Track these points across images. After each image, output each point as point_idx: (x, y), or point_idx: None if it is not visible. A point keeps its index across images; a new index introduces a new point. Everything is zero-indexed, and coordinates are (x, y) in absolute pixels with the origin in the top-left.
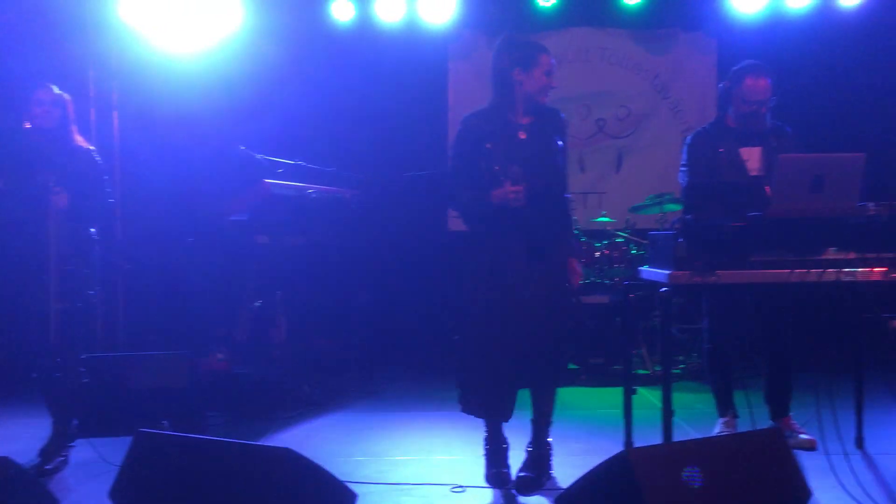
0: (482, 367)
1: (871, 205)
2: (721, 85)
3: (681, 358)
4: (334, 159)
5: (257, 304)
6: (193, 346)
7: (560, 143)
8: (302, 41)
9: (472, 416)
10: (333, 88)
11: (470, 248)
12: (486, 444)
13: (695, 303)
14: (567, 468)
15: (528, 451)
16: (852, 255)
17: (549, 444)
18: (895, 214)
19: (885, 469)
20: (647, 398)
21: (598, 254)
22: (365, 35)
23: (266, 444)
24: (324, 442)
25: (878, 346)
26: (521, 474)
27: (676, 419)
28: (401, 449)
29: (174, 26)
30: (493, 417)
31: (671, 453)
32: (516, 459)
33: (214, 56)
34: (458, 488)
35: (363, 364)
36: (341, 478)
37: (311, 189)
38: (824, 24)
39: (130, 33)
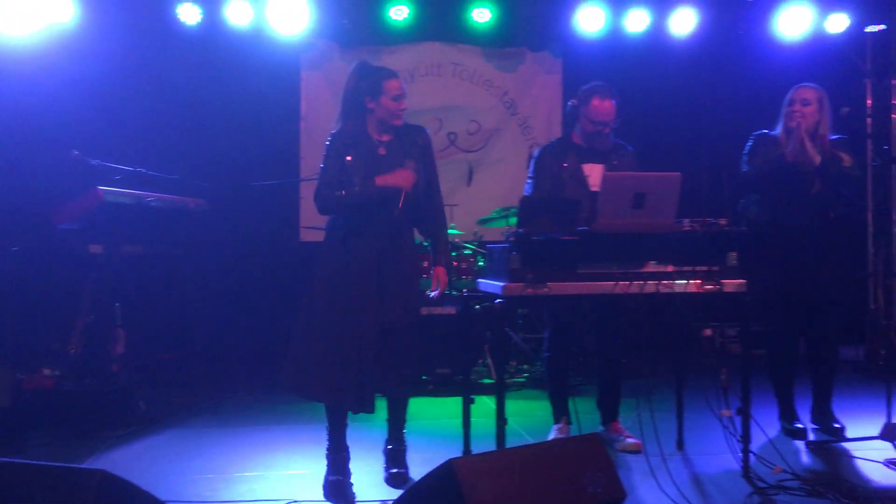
0: (320, 349)
1: (686, 221)
2: (569, 103)
3: (525, 367)
4: (181, 166)
5: (91, 317)
6: (18, 362)
7: (420, 159)
8: (146, 42)
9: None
10: (180, 93)
11: (323, 254)
12: (328, 449)
13: (539, 313)
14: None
15: (388, 450)
16: (670, 269)
17: (405, 442)
18: (709, 230)
19: (700, 469)
20: (490, 407)
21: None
22: (213, 40)
23: (88, 464)
24: (156, 461)
25: (695, 354)
26: (392, 471)
27: (515, 426)
28: (238, 465)
29: None
30: (333, 402)
31: (495, 461)
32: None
33: (44, 50)
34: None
35: (205, 378)
36: (170, 497)
37: (152, 197)
38: (658, 47)
39: None
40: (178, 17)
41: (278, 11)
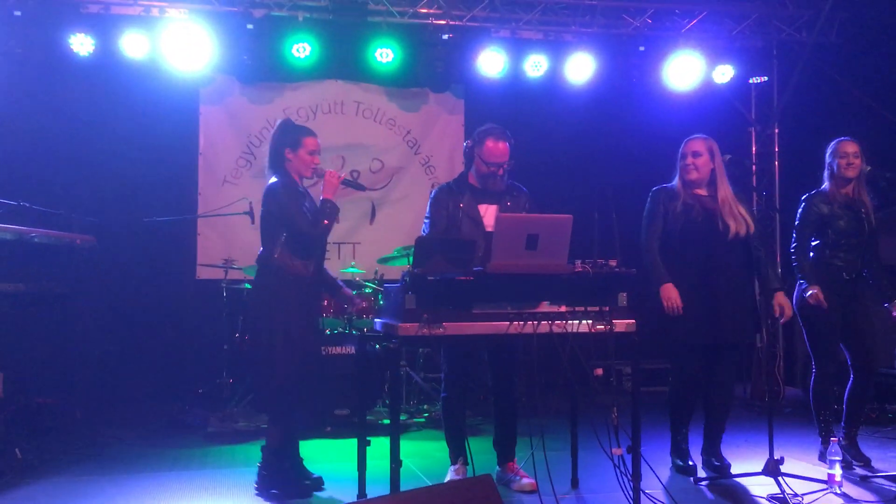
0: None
1: (578, 262)
2: (465, 144)
3: (425, 407)
4: (70, 201)
5: None
6: None
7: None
8: (35, 72)
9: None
10: (71, 125)
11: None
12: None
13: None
14: None
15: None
16: (563, 309)
17: None
18: (600, 272)
19: None
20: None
21: (346, 304)
22: (107, 72)
23: None
24: None
25: (589, 392)
26: None
27: (413, 467)
28: None
29: None
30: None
31: None
32: None
33: None
34: None
35: (87, 423)
36: None
37: (35, 233)
38: (556, 92)
39: None
40: (71, 47)
41: (176, 45)
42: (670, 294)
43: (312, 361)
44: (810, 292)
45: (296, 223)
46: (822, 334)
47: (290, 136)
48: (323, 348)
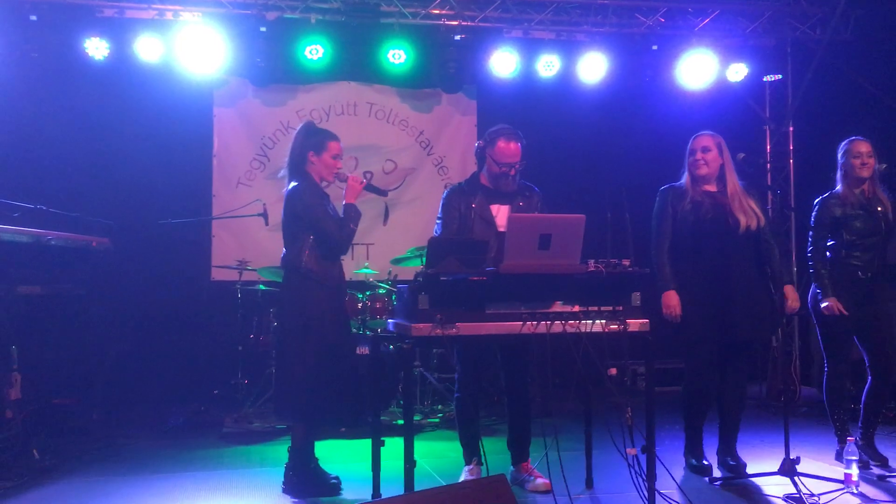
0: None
1: (592, 262)
2: (477, 144)
3: (439, 407)
4: (86, 204)
5: None
6: None
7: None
8: (51, 76)
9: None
10: (86, 128)
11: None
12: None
13: (452, 352)
14: None
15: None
16: (576, 309)
17: None
18: (613, 271)
19: None
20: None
21: (360, 305)
22: (122, 75)
23: None
24: None
25: (602, 393)
26: None
27: (427, 468)
28: None
29: None
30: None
31: None
32: None
33: None
34: None
35: (104, 424)
36: None
37: (51, 236)
38: (568, 91)
39: None
40: (86, 51)
41: (189, 48)
42: (671, 302)
43: (348, 362)
44: (825, 304)
45: (323, 227)
46: (835, 332)
47: (313, 139)
48: None
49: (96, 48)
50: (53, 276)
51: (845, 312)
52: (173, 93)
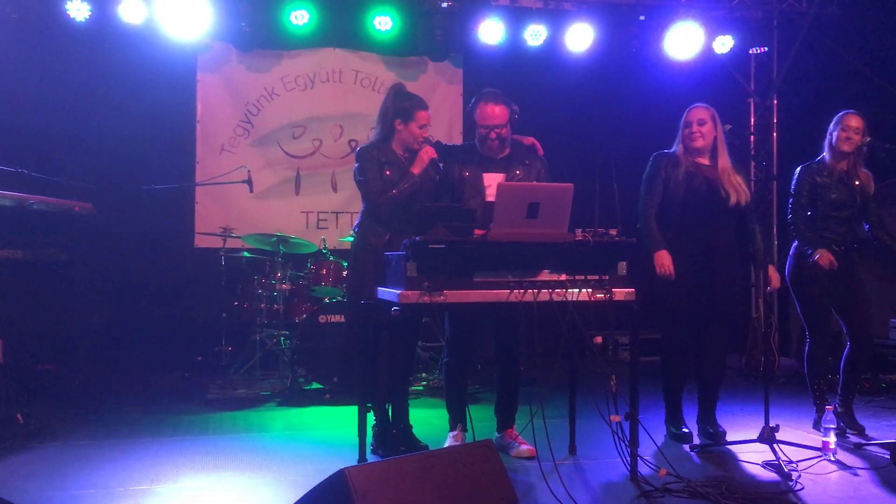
0: None
1: (579, 231)
2: (469, 107)
3: (423, 375)
4: (67, 169)
5: None
6: None
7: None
8: (31, 37)
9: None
10: (68, 91)
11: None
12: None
13: (438, 321)
14: (298, 489)
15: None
16: (563, 277)
17: None
18: (601, 240)
19: (590, 473)
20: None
21: (345, 273)
22: (104, 37)
23: None
24: (33, 476)
25: (587, 361)
26: None
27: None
28: (122, 479)
29: None
30: None
31: (387, 469)
32: None
33: None
34: None
35: (88, 389)
36: None
37: (34, 200)
38: (555, 61)
39: None
40: (67, 12)
41: (173, 11)
42: (664, 261)
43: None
44: (817, 255)
45: (366, 188)
46: (815, 304)
47: (401, 105)
48: (322, 317)
49: (77, 10)
50: (36, 241)
51: (835, 264)
52: (156, 56)
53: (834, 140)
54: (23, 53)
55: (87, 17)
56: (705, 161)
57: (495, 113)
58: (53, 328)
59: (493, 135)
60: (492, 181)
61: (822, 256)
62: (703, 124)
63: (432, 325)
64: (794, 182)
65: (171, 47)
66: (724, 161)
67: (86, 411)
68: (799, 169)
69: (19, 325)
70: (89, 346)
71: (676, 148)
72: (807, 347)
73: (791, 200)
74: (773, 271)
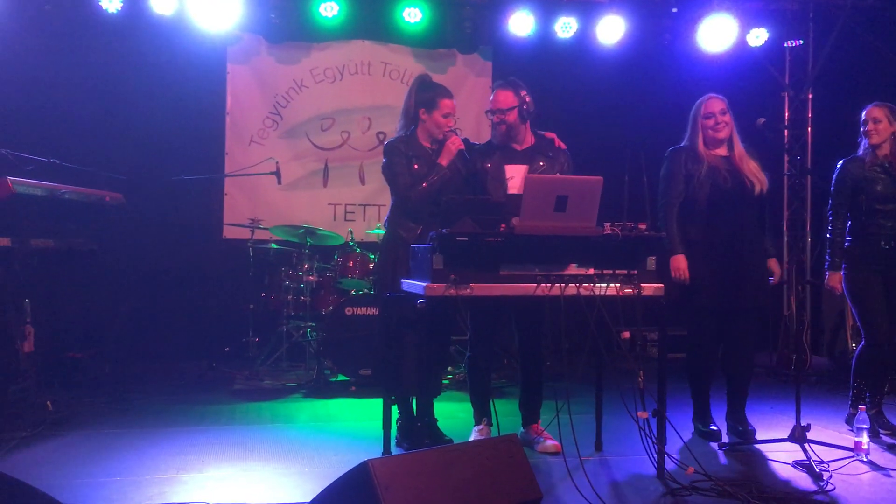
0: None
1: (608, 225)
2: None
3: (449, 368)
4: (98, 159)
5: None
6: None
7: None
8: (64, 28)
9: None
10: (99, 82)
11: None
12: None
13: (464, 315)
14: (323, 480)
15: None
16: (591, 272)
17: None
18: (629, 235)
19: (616, 470)
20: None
21: (372, 265)
22: (135, 29)
23: None
24: (62, 463)
25: (614, 356)
26: None
27: (437, 427)
28: (149, 468)
29: None
30: None
31: (411, 462)
32: None
33: None
34: None
35: (116, 378)
36: (75, 501)
37: (65, 189)
38: (586, 53)
39: None
40: (100, 3)
41: (203, 2)
42: (679, 265)
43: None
44: (825, 280)
45: (395, 183)
46: (868, 305)
47: (424, 94)
48: (348, 309)
49: (110, 1)
50: (67, 231)
51: (838, 291)
52: (187, 48)
53: (864, 134)
54: (55, 45)
55: (119, 8)
56: (723, 152)
57: (501, 97)
58: (83, 317)
59: (496, 119)
60: (514, 173)
61: (827, 284)
62: (724, 114)
63: (458, 318)
64: (834, 177)
65: (202, 39)
66: (740, 148)
67: (113, 399)
68: (839, 164)
69: (49, 314)
70: (118, 334)
71: (692, 142)
72: (859, 347)
73: (831, 200)
74: (775, 265)
